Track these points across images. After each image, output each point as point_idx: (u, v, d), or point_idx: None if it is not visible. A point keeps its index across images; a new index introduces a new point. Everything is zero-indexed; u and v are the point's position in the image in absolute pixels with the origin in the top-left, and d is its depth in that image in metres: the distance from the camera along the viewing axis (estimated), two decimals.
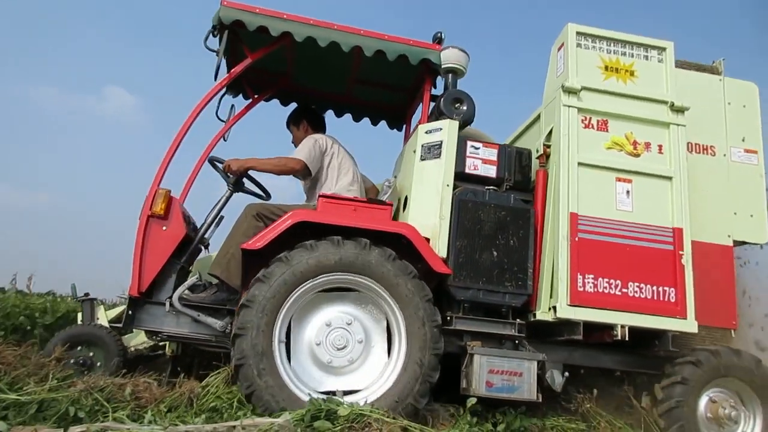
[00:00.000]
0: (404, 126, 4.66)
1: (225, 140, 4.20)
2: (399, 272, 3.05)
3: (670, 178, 3.45)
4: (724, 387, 3.37)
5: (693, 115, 3.69)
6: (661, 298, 3.25)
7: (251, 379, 2.83)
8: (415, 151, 3.57)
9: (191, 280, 3.34)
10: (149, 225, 3.29)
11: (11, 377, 2.83)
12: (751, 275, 4.07)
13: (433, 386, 3.02)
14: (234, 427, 2.48)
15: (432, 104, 3.86)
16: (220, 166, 3.77)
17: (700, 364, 3.26)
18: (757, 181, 3.89)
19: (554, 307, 3.17)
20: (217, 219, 3.72)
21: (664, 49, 3.69)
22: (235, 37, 3.66)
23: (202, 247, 3.76)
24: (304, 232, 3.10)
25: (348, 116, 4.70)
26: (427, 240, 3.24)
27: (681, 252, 3.33)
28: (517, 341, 3.36)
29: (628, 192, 3.39)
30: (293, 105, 4.46)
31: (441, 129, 3.51)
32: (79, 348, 3.41)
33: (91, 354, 3.42)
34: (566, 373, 3.29)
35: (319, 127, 4.21)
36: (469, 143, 3.56)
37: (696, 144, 3.85)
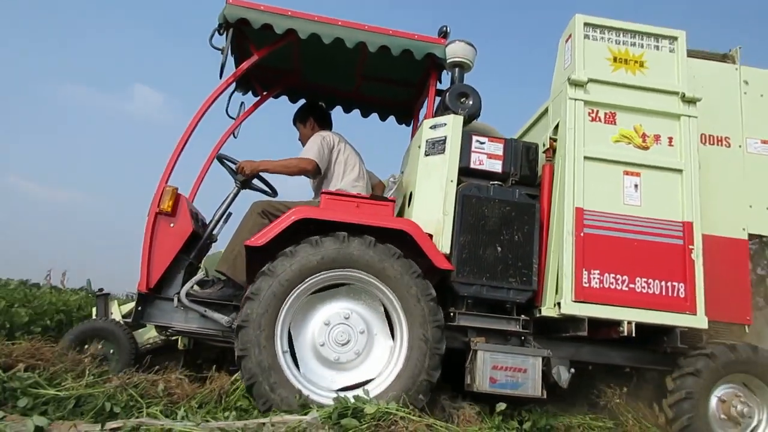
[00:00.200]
0: (412, 121, 4.65)
1: (235, 137, 4.25)
2: (383, 257, 3.05)
3: (680, 171, 3.38)
4: (739, 383, 3.30)
5: (707, 105, 3.60)
6: (670, 294, 3.19)
7: (265, 396, 2.85)
8: (420, 147, 3.56)
9: (198, 276, 3.40)
10: (157, 222, 3.35)
11: (49, 373, 2.93)
12: None
13: (442, 358, 3.02)
14: (264, 424, 2.54)
15: (439, 99, 3.84)
16: (228, 163, 3.81)
17: (714, 358, 3.20)
18: None
19: (559, 303, 3.14)
20: (225, 215, 3.77)
21: (675, 38, 3.60)
22: (241, 35, 3.71)
23: (212, 244, 3.83)
24: (308, 229, 3.13)
25: (357, 112, 4.71)
26: (431, 236, 3.23)
27: (691, 246, 3.26)
28: (523, 337, 3.34)
29: (636, 186, 3.33)
30: (302, 101, 4.49)
31: (445, 124, 3.49)
32: (95, 343, 3.50)
33: (110, 349, 3.50)
34: (572, 369, 3.26)
35: (326, 124, 4.22)
36: (475, 138, 3.53)
37: (710, 135, 3.74)
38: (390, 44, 3.53)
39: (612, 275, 3.18)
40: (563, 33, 3.71)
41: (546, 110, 3.82)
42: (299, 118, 4.25)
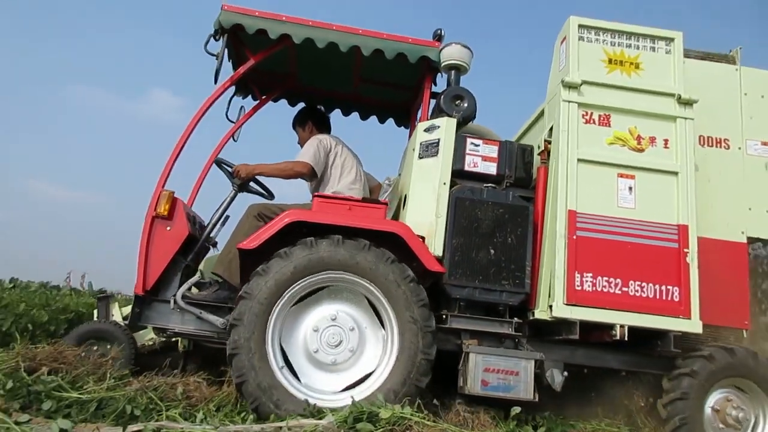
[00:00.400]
0: (410, 124, 4.66)
1: (235, 140, 4.31)
2: (353, 251, 3.06)
3: (676, 174, 3.34)
4: (736, 388, 3.27)
5: (706, 107, 3.57)
6: (664, 298, 3.16)
7: (272, 413, 2.86)
8: (414, 149, 3.57)
9: (193, 279, 3.44)
10: (154, 225, 3.40)
11: (72, 376, 3.00)
12: None
13: (434, 335, 3.05)
14: (280, 428, 2.57)
15: (434, 101, 3.85)
16: (226, 167, 3.86)
17: (712, 360, 3.17)
18: None
19: (551, 306, 3.13)
20: (222, 218, 3.81)
21: (672, 39, 3.57)
22: (238, 41, 3.75)
23: (210, 246, 3.87)
24: (301, 232, 3.16)
25: (356, 115, 4.73)
26: (423, 238, 3.24)
27: (686, 250, 3.23)
28: (517, 340, 3.34)
29: (630, 188, 3.31)
30: (301, 105, 4.52)
31: (439, 127, 3.50)
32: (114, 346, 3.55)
33: (108, 349, 3.56)
34: (565, 373, 3.24)
35: (324, 127, 4.25)
36: (469, 140, 3.53)
37: (708, 137, 3.69)
38: (384, 48, 3.55)
39: (605, 278, 3.16)
40: (558, 35, 3.70)
41: (542, 112, 3.81)
42: (298, 122, 4.29)
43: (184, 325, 3.45)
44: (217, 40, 3.58)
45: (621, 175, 3.32)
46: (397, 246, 3.14)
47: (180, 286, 3.45)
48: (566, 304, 3.09)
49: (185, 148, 3.58)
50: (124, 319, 3.89)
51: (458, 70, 3.88)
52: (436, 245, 3.24)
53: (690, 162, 3.37)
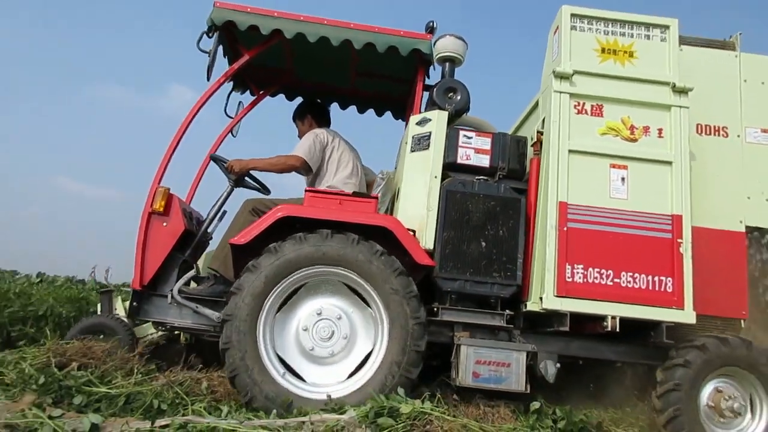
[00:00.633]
0: (407, 117, 4.65)
1: (234, 136, 4.35)
2: (317, 242, 3.08)
3: (669, 163, 3.30)
4: (731, 378, 3.23)
5: (704, 94, 3.51)
6: (657, 288, 3.13)
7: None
8: (406, 143, 3.57)
9: (189, 273, 3.50)
10: (150, 222, 3.45)
11: (101, 371, 3.07)
12: None
13: (419, 299, 3.09)
14: (303, 422, 2.63)
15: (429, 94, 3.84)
16: (222, 163, 3.90)
17: (705, 350, 3.13)
18: None
19: (541, 298, 3.12)
20: (219, 214, 3.86)
21: (667, 27, 3.51)
22: (231, 37, 3.78)
23: (208, 241, 3.93)
24: (293, 226, 3.19)
25: (354, 108, 4.74)
26: (413, 232, 3.25)
27: (680, 240, 3.19)
28: (510, 332, 3.34)
29: (623, 179, 3.27)
30: (300, 99, 4.55)
31: (431, 120, 3.50)
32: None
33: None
34: (558, 365, 3.24)
35: (324, 121, 4.27)
36: (462, 132, 3.53)
37: (706, 125, 3.63)
38: (375, 41, 3.55)
39: (596, 270, 3.14)
40: (551, 25, 3.66)
41: (537, 103, 3.78)
42: (297, 116, 4.31)
43: (181, 319, 3.51)
44: (210, 37, 3.61)
45: (613, 166, 3.29)
46: (388, 240, 3.16)
47: (177, 281, 3.51)
48: (557, 296, 3.08)
49: (187, 145, 3.65)
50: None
51: (452, 62, 3.88)
52: (426, 238, 3.25)
53: (685, 151, 3.32)
